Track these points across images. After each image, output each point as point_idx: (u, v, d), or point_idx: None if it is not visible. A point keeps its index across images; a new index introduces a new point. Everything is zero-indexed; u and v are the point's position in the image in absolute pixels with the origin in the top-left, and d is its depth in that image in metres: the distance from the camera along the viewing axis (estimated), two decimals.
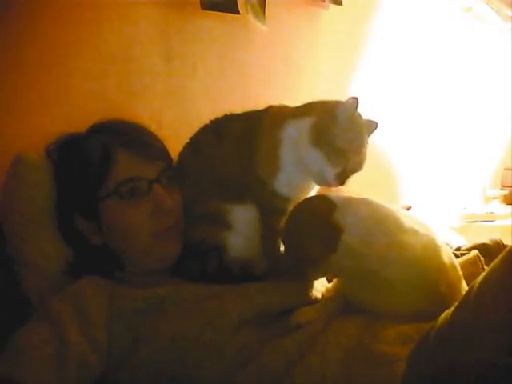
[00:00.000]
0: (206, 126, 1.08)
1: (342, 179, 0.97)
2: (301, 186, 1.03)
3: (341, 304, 0.96)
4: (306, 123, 0.96)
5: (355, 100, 0.93)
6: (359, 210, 0.94)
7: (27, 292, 1.01)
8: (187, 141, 1.10)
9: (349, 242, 0.90)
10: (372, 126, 1.00)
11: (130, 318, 0.89)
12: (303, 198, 1.01)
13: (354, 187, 1.06)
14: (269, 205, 1.01)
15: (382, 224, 0.93)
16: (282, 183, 1.00)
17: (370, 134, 1.00)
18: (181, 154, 1.09)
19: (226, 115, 1.08)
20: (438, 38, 2.67)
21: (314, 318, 0.90)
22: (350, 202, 0.95)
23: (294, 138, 0.98)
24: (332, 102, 0.99)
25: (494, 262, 0.66)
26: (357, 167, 0.98)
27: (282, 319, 0.91)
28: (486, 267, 1.05)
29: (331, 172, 0.95)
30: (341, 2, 2.01)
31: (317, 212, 0.94)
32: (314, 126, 0.95)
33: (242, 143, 1.02)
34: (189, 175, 1.06)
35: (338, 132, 0.94)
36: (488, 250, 1.14)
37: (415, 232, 0.94)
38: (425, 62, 2.59)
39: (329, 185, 0.98)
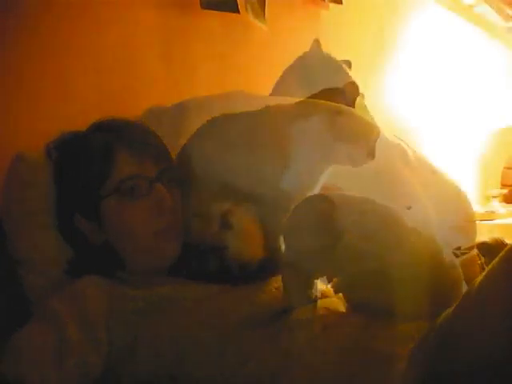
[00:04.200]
0: (202, 126, 1.08)
1: (372, 153, 1.02)
2: (306, 184, 1.03)
3: (341, 303, 0.96)
4: (319, 122, 1.00)
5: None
6: (359, 209, 0.94)
7: (27, 292, 1.01)
8: (184, 142, 1.09)
9: (348, 242, 0.90)
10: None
11: (129, 318, 0.89)
12: (307, 195, 1.01)
13: None
14: (273, 203, 1.01)
15: (382, 223, 0.93)
16: (289, 182, 1.00)
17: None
18: (178, 155, 1.09)
19: (223, 115, 1.07)
20: (438, 37, 2.67)
21: (313, 318, 0.90)
22: (350, 201, 0.95)
23: (309, 137, 1.00)
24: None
25: (495, 260, 0.66)
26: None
27: (282, 319, 0.91)
28: (486, 267, 1.05)
29: (361, 153, 1.01)
30: (341, 1, 2.01)
31: (317, 211, 0.94)
32: (331, 123, 1.00)
33: (242, 144, 1.02)
34: (187, 176, 1.06)
35: (354, 124, 1.02)
36: (489, 249, 1.14)
37: (416, 231, 0.94)
38: (424, 62, 2.59)
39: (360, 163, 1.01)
